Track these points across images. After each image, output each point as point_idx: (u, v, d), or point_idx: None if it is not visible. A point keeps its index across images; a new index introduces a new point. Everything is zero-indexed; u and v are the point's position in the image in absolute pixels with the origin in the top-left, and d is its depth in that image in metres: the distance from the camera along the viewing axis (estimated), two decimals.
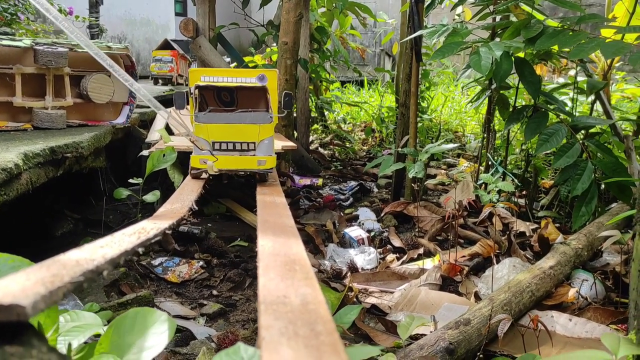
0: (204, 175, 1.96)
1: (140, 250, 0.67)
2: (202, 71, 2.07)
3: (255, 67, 4.16)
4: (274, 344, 0.48)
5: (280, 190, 1.84)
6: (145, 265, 2.06)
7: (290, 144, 2.68)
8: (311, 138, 5.10)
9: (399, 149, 2.76)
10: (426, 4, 3.19)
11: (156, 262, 2.10)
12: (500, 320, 1.28)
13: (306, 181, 3.40)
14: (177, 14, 12.76)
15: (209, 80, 1.98)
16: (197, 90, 1.96)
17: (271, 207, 1.44)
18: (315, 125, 5.34)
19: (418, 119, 4.21)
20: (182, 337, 1.60)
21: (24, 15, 5.37)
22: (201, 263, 2.13)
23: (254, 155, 1.93)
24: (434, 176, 3.69)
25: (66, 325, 0.96)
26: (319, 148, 4.74)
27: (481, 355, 1.26)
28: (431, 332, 1.47)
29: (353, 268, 2.14)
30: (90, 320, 0.97)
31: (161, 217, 1.18)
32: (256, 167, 1.93)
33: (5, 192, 1.22)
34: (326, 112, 5.39)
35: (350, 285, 1.90)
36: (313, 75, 4.46)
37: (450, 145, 2.62)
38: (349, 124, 5.75)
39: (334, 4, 5.10)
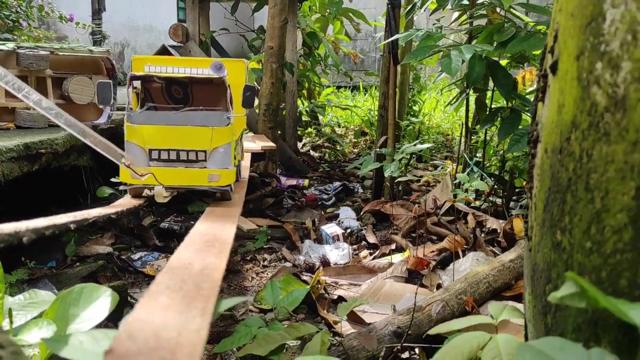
0: (147, 192, 1.56)
1: (72, 226, 0.75)
2: (146, 59, 1.71)
3: None
4: (156, 294, 0.57)
5: (243, 187, 1.87)
6: (125, 259, 2.15)
7: (270, 144, 2.76)
8: (304, 141, 5.20)
9: (377, 149, 2.85)
10: (407, 9, 3.28)
11: (136, 256, 2.19)
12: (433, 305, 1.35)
13: (292, 182, 3.49)
14: (179, 21, 12.94)
15: (150, 71, 1.62)
16: (138, 83, 1.62)
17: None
18: (309, 129, 5.43)
19: (406, 122, 4.29)
20: None
21: (25, 22, 5.49)
22: None
23: (204, 167, 1.51)
24: (420, 177, 3.77)
25: (23, 302, 1.05)
26: (311, 150, 4.82)
27: (409, 332, 1.34)
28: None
29: (325, 262, 2.23)
30: (46, 298, 1.06)
31: (117, 206, 1.27)
32: (207, 183, 1.50)
33: None
34: (320, 117, 5.48)
35: (319, 277, 1.98)
36: (303, 79, 4.55)
37: (425, 145, 2.70)
38: (342, 127, 5.83)
39: (327, 10, 5.21)
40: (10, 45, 2.00)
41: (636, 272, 0.46)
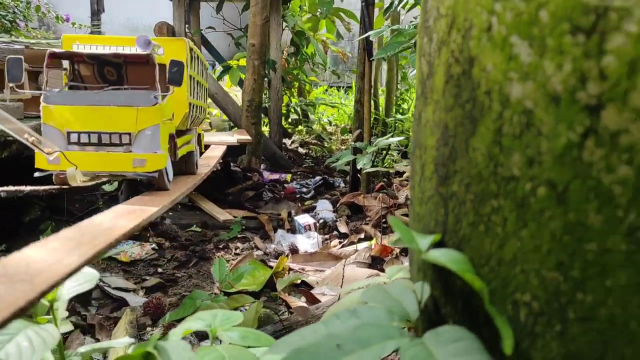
0: (76, 182, 1.38)
1: (3, 194, 0.83)
2: (76, 38, 1.62)
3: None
4: (50, 240, 0.65)
5: (193, 180, 1.83)
6: None
7: (246, 137, 2.84)
8: (294, 138, 5.27)
9: (352, 143, 2.92)
10: (386, 6, 3.36)
11: None
12: None
13: (275, 176, 3.56)
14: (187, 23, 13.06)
15: (78, 50, 1.51)
16: (67, 64, 1.52)
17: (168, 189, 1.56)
18: (300, 127, 5.51)
19: (391, 119, 4.36)
20: (117, 305, 1.78)
21: (23, 22, 5.59)
22: (153, 245, 2.29)
23: (130, 152, 1.39)
24: (403, 172, 3.84)
25: None
26: (299, 147, 4.90)
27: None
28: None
29: (294, 250, 2.30)
30: None
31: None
32: (131, 169, 1.39)
33: None
34: (311, 115, 5.55)
35: (283, 263, 2.06)
36: (290, 77, 4.63)
37: (397, 138, 2.78)
38: (333, 125, 5.91)
39: (318, 10, 5.28)
40: None
41: (438, 212, 0.53)
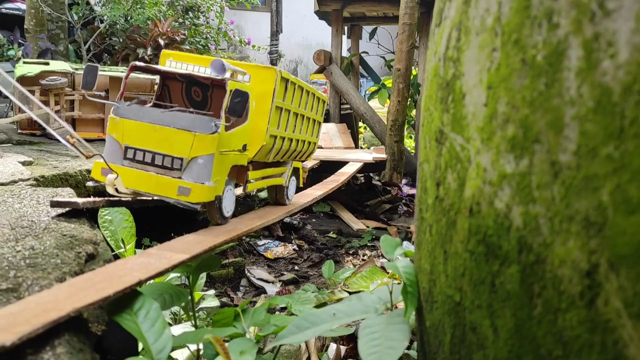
0: (113, 191, 1.35)
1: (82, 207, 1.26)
2: (171, 54, 1.58)
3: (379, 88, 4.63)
4: (201, 232, 1.03)
5: (275, 212, 1.80)
6: (251, 244, 2.70)
7: (382, 155, 3.14)
8: None
9: None
10: None
11: (261, 242, 2.73)
12: None
13: (413, 191, 3.81)
14: (349, 37, 13.79)
15: (170, 66, 1.49)
16: (159, 78, 1.56)
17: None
18: None
19: None
20: (258, 292, 2.20)
21: (213, 46, 6.58)
22: (294, 246, 2.71)
23: (179, 178, 1.32)
24: None
25: None
26: None
27: None
28: None
29: None
30: None
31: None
32: (174, 196, 1.30)
33: None
34: None
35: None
36: None
37: None
38: None
39: None
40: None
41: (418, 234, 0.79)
